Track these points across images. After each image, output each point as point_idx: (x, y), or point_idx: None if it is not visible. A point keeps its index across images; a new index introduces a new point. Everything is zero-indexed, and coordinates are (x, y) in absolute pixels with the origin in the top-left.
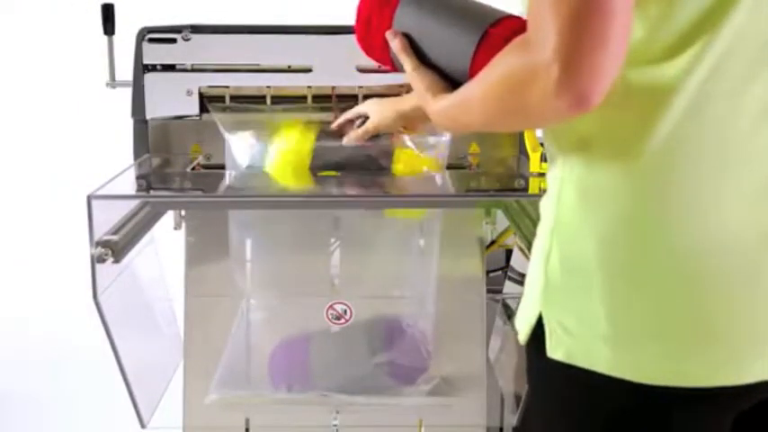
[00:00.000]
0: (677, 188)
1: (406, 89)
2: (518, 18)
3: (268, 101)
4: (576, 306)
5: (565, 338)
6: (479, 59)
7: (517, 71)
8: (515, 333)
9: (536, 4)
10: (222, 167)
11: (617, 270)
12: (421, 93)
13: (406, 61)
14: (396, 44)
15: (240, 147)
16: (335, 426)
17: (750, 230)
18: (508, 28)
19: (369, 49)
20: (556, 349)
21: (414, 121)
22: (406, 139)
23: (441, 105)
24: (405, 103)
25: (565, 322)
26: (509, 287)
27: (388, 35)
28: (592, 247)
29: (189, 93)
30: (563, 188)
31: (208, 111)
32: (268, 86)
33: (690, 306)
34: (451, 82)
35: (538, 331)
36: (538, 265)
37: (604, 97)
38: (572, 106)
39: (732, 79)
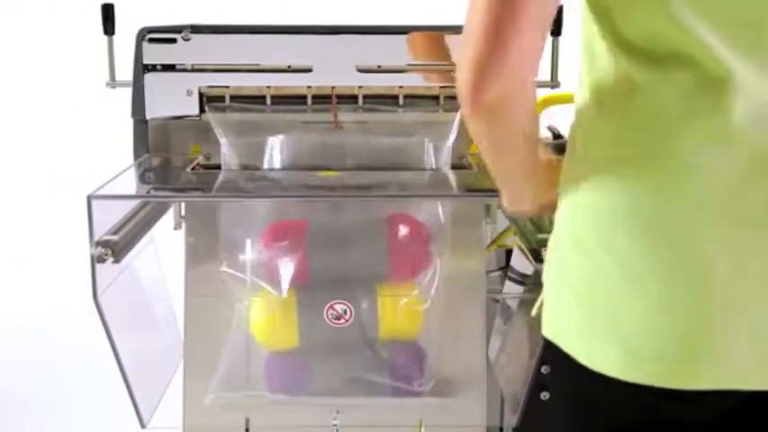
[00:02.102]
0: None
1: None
2: None
3: (268, 101)
4: (557, 286)
5: (549, 316)
6: None
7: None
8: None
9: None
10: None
11: (584, 258)
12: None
13: None
14: None
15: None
16: (335, 426)
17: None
18: None
19: None
20: (545, 327)
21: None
22: None
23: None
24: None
25: (552, 300)
26: (509, 287)
27: None
28: (565, 228)
29: (189, 93)
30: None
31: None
32: (268, 86)
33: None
34: None
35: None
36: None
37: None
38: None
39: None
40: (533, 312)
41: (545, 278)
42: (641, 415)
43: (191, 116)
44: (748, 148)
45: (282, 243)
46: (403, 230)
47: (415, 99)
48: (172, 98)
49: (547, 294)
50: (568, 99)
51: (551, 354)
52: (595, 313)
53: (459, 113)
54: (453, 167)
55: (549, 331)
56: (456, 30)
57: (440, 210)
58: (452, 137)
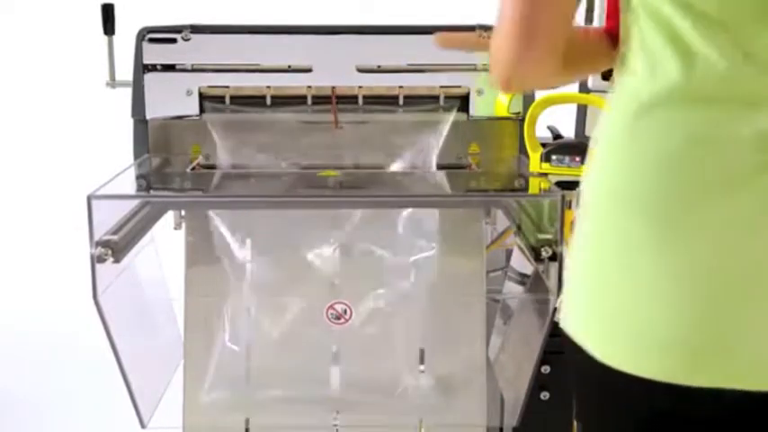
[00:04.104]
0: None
1: None
2: None
3: (268, 101)
4: (576, 281)
5: (566, 311)
6: None
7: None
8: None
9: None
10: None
11: (596, 251)
12: None
13: None
14: None
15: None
16: (335, 426)
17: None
18: None
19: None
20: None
21: None
22: None
23: None
24: None
25: (572, 295)
26: (509, 287)
27: None
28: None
29: (189, 93)
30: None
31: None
32: (268, 86)
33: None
34: None
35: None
36: None
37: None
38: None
39: None
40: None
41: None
42: (651, 410)
43: (191, 116)
44: None
45: None
46: None
47: (415, 99)
48: (172, 98)
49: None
50: (568, 99)
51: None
52: (607, 306)
53: (457, 113)
54: (453, 167)
55: (570, 329)
56: (454, 29)
57: (439, 210)
58: (452, 137)
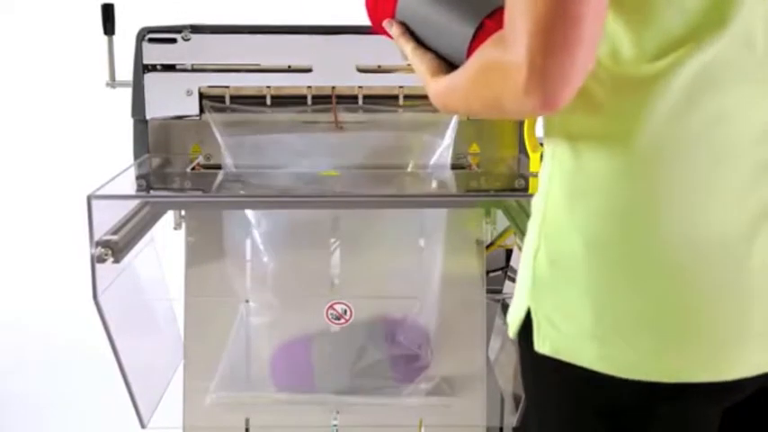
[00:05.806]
0: (665, 184)
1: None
2: None
3: (268, 101)
4: (562, 301)
5: (551, 333)
6: (474, 52)
7: (492, 67)
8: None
9: (511, 3)
10: (221, 168)
11: (602, 266)
12: (421, 73)
13: (405, 45)
14: (393, 31)
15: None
16: (335, 426)
17: (735, 227)
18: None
19: (375, 24)
20: (543, 343)
21: None
22: None
23: (435, 88)
24: None
25: (551, 317)
26: (509, 287)
27: (386, 23)
28: (577, 242)
29: (189, 93)
30: (551, 184)
31: (207, 111)
32: (268, 86)
33: (674, 302)
34: (452, 65)
35: (526, 326)
36: (526, 261)
37: (584, 95)
38: (539, 106)
39: (720, 78)
40: (511, 333)
41: (530, 297)
42: (638, 411)
43: (191, 116)
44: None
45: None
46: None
47: (414, 99)
48: (172, 98)
49: (537, 310)
50: None
51: (557, 370)
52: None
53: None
54: (453, 167)
55: (552, 349)
56: None
57: (438, 209)
58: (452, 136)
